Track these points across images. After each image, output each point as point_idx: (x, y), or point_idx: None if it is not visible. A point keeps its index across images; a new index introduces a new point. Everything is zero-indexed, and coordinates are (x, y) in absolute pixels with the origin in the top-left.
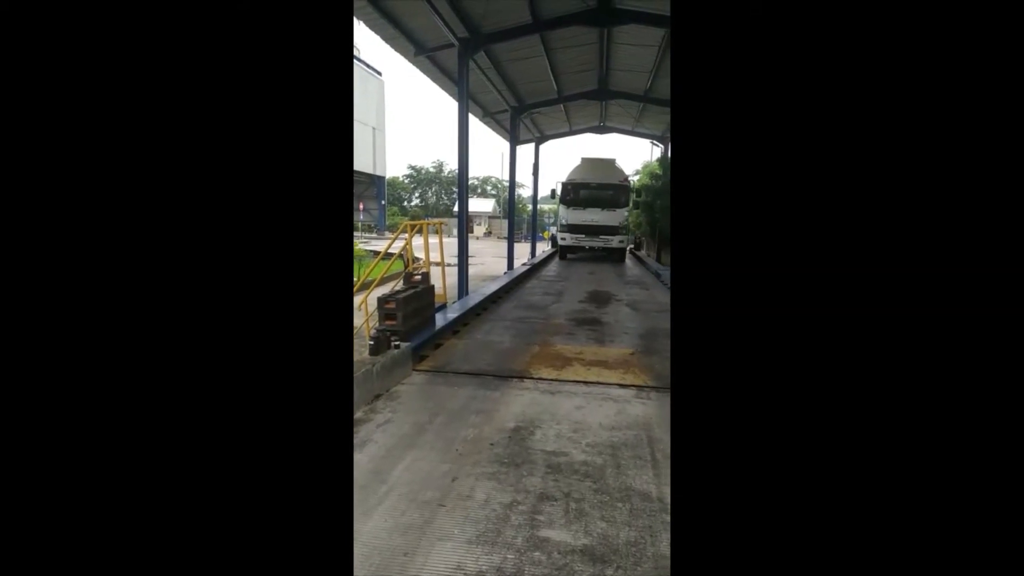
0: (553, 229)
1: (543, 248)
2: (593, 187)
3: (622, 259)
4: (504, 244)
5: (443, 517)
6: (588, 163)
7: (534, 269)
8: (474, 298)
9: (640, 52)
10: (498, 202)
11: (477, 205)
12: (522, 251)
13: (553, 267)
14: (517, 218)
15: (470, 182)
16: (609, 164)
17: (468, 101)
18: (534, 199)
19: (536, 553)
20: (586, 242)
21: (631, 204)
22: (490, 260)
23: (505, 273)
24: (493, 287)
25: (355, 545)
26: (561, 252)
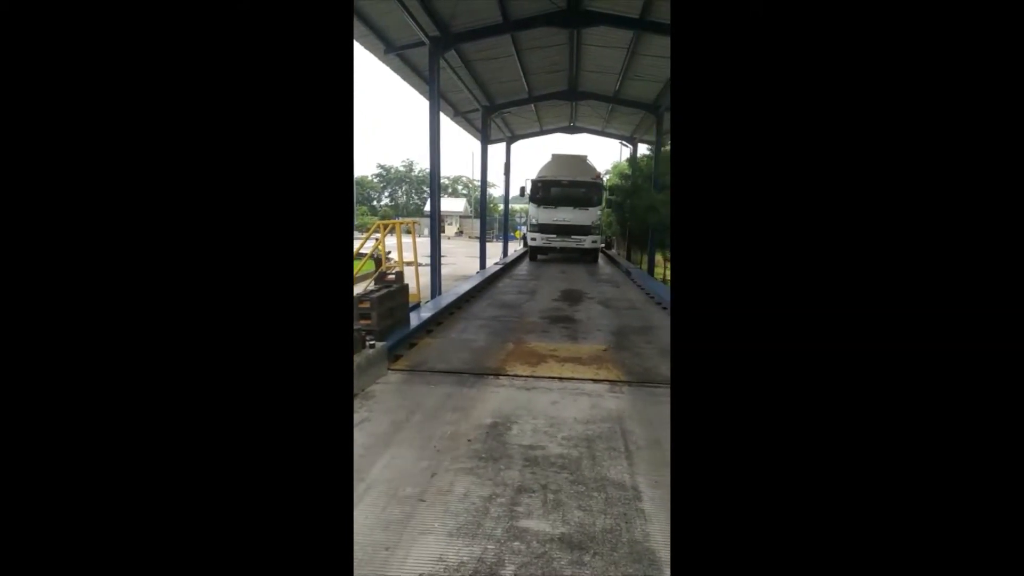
0: (524, 228)
1: (515, 248)
2: (564, 184)
3: (595, 260)
4: (475, 244)
5: (424, 511)
6: (559, 159)
7: (507, 268)
8: (448, 297)
9: (609, 54)
10: (469, 202)
11: (448, 205)
12: (494, 251)
13: (525, 266)
14: (489, 217)
15: (440, 182)
16: (581, 160)
17: (439, 100)
18: (506, 199)
19: (516, 543)
20: (557, 242)
21: (604, 203)
22: (462, 260)
23: (477, 272)
24: (466, 286)
25: None
26: (531, 253)
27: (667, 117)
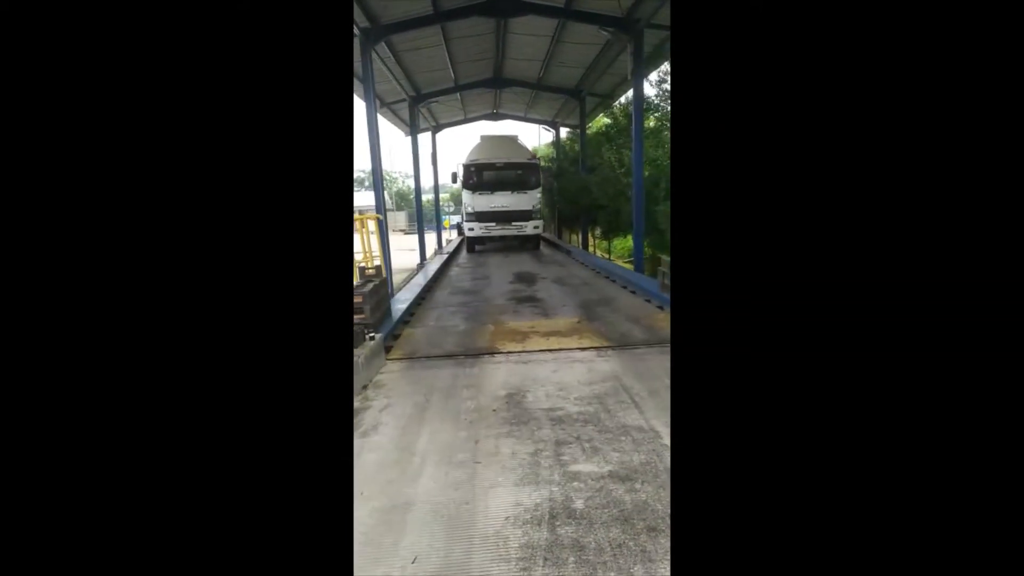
0: (454, 219)
1: (447, 237)
2: (499, 167)
3: (537, 246)
4: (403, 237)
5: (483, 471)
6: (489, 141)
7: (451, 258)
8: (411, 289)
9: (534, 42)
10: (389, 194)
11: (364, 199)
12: (426, 241)
13: (465, 255)
14: (413, 209)
15: (356, 175)
16: (512, 141)
17: (374, 96)
18: (435, 188)
19: (574, 483)
20: (497, 231)
21: (542, 184)
22: (395, 253)
23: (421, 264)
24: (421, 279)
25: (418, 504)
26: (469, 244)
27: (589, 100)
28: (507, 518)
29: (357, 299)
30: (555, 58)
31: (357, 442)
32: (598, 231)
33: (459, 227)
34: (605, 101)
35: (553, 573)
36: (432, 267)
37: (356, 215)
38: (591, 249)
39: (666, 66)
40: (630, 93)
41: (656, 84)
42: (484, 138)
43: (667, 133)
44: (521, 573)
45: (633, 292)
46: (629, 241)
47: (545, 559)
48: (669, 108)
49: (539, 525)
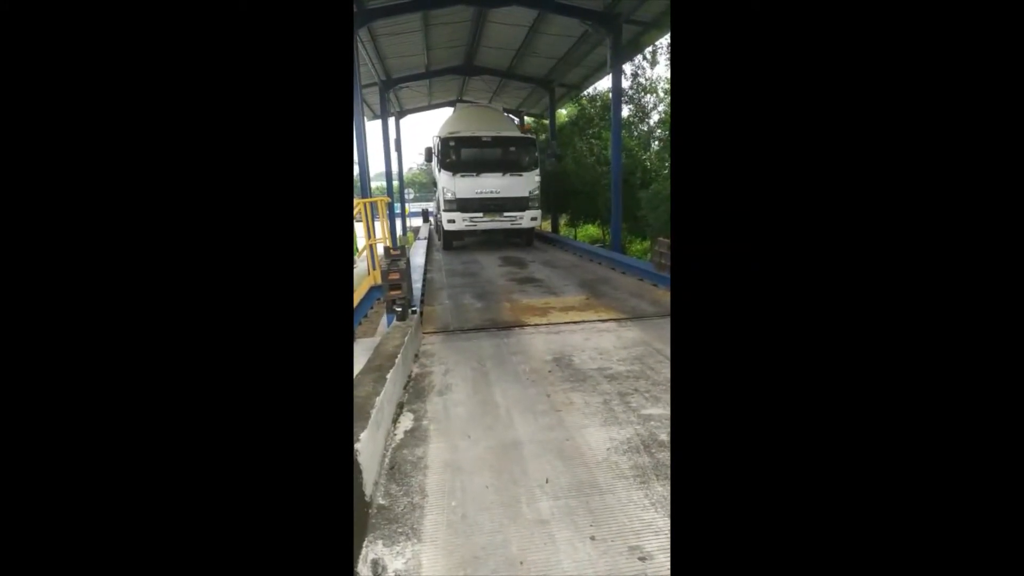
0: (412, 207)
1: (411, 224)
2: (485, 142)
3: (530, 242)
4: (360, 226)
5: (567, 417)
6: (469, 112)
7: (429, 243)
8: (413, 273)
9: (510, 31)
10: None
11: None
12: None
13: (438, 244)
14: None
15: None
16: (496, 112)
17: (360, 80)
18: (400, 176)
19: (651, 422)
20: (484, 223)
21: (539, 165)
22: (362, 242)
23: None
24: (418, 260)
25: (526, 443)
26: (446, 240)
27: (558, 91)
28: (608, 448)
29: (396, 276)
30: (529, 48)
31: (439, 399)
32: (563, 218)
33: (424, 213)
34: (573, 92)
35: (668, 486)
36: (418, 251)
37: (367, 199)
38: (561, 234)
39: (639, 59)
40: (599, 84)
41: (630, 77)
42: (462, 108)
43: (640, 124)
44: (641, 486)
45: (624, 272)
46: (592, 229)
47: (656, 475)
48: (639, 100)
49: (638, 452)
